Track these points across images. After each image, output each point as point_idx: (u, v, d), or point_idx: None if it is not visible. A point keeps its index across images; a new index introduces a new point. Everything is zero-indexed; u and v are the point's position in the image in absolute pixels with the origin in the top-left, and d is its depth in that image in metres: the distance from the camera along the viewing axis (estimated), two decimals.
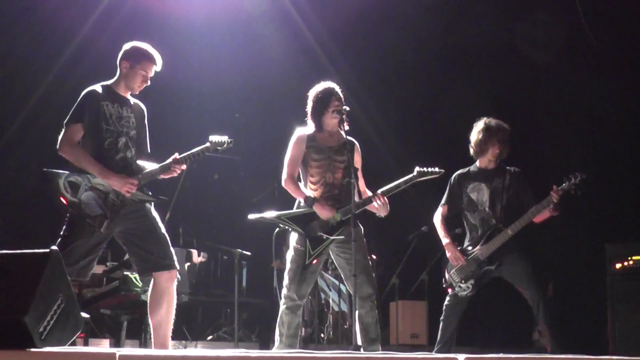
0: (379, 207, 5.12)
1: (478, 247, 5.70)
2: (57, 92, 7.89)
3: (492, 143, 5.76)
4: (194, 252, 8.30)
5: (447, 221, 5.91)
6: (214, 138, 4.83)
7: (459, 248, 5.80)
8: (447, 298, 5.81)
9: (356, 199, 5.05)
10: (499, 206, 5.72)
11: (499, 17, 8.63)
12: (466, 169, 5.94)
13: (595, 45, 7.90)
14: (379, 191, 5.16)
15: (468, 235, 5.87)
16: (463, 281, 5.71)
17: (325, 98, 5.21)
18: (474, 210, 5.80)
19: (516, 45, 8.54)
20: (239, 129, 6.99)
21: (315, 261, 5.07)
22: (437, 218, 5.94)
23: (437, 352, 5.66)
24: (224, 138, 4.85)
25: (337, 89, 5.26)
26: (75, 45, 8.27)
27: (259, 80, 9.27)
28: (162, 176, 4.77)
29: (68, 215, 4.56)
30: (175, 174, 4.81)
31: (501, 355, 4.01)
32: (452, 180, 5.93)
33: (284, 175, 5.21)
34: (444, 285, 5.85)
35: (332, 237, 5.07)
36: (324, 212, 5.06)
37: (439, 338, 5.77)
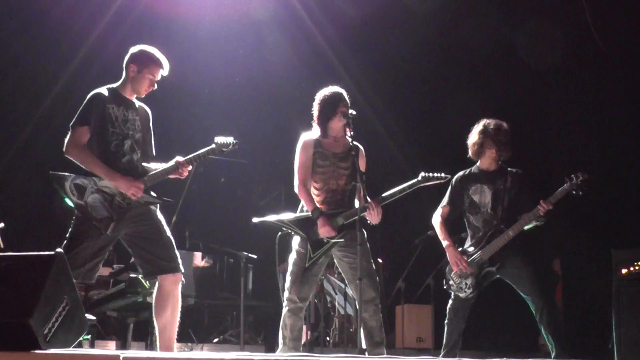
0: (372, 214, 5.09)
1: (479, 248, 5.71)
2: (68, 97, 7.91)
3: (489, 146, 5.73)
4: (197, 255, 8.34)
5: (447, 223, 5.89)
6: (219, 139, 4.86)
7: (459, 249, 5.80)
8: (450, 301, 5.80)
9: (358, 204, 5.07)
10: (501, 207, 5.70)
11: (506, 20, 8.63)
12: (467, 171, 5.91)
13: (603, 47, 7.89)
14: (382, 195, 5.17)
15: (470, 236, 5.86)
16: (464, 282, 5.70)
17: (333, 103, 5.20)
18: (476, 212, 5.79)
19: (522, 48, 8.53)
20: (246, 132, 6.99)
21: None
22: (437, 219, 5.91)
23: (444, 356, 5.65)
24: (230, 139, 4.87)
25: (344, 93, 5.26)
26: (85, 50, 8.32)
27: (266, 84, 9.30)
28: (170, 176, 4.79)
29: (74, 217, 4.58)
30: (182, 176, 4.83)
31: (505, 359, 4.01)
32: (453, 182, 5.89)
33: (296, 182, 5.22)
34: (445, 287, 5.84)
35: (333, 240, 5.09)
36: (322, 230, 5.06)
37: (445, 342, 5.74)
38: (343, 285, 8.22)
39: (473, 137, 5.80)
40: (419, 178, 5.26)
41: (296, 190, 5.23)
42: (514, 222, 5.60)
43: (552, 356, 5.51)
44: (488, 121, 5.79)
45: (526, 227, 5.62)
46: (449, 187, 5.91)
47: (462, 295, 5.71)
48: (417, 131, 9.62)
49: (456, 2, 8.66)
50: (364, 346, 5.01)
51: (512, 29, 8.55)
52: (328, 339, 8.49)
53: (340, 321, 8.50)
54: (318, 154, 5.22)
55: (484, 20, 8.55)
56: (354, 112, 5.16)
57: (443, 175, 5.31)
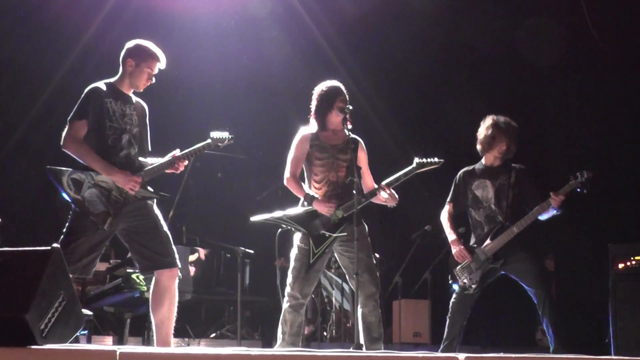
0: (387, 198, 5.11)
1: (484, 244, 5.71)
2: (64, 92, 7.89)
3: (500, 140, 5.76)
4: (201, 251, 8.33)
5: (454, 218, 5.93)
6: (215, 134, 4.87)
7: (465, 246, 5.81)
8: (454, 295, 5.82)
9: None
10: (505, 203, 5.72)
11: (506, 17, 8.62)
12: (472, 167, 5.94)
13: (600, 44, 7.89)
14: (383, 183, 5.16)
15: (472, 232, 5.88)
16: (468, 278, 5.72)
17: (330, 97, 5.21)
18: (479, 207, 5.81)
19: (521, 45, 8.53)
20: (243, 127, 6.99)
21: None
22: (444, 216, 5.95)
23: (443, 350, 5.66)
24: (225, 134, 4.89)
25: (342, 87, 5.26)
26: (82, 45, 8.29)
27: (264, 79, 9.28)
28: (166, 171, 4.79)
29: (71, 212, 4.58)
30: (178, 171, 4.83)
31: (502, 354, 4.00)
32: (457, 178, 5.95)
33: (287, 174, 5.23)
34: (450, 282, 5.85)
35: (334, 235, 5.08)
36: (323, 209, 5.07)
37: (445, 336, 5.77)
38: (340, 281, 8.22)
39: (484, 130, 5.82)
40: (414, 165, 5.26)
41: (285, 182, 5.23)
42: (519, 218, 5.61)
43: (550, 350, 5.52)
44: (497, 116, 5.81)
45: (543, 218, 5.62)
46: (453, 184, 5.95)
47: (466, 290, 5.73)
48: (417, 128, 9.61)
49: None
50: (361, 341, 5.00)
51: (511, 26, 8.54)
52: (325, 334, 8.49)
53: (337, 316, 8.50)
54: (316, 146, 5.22)
55: (483, 16, 8.54)
56: (350, 107, 5.15)
57: (436, 160, 5.29)
